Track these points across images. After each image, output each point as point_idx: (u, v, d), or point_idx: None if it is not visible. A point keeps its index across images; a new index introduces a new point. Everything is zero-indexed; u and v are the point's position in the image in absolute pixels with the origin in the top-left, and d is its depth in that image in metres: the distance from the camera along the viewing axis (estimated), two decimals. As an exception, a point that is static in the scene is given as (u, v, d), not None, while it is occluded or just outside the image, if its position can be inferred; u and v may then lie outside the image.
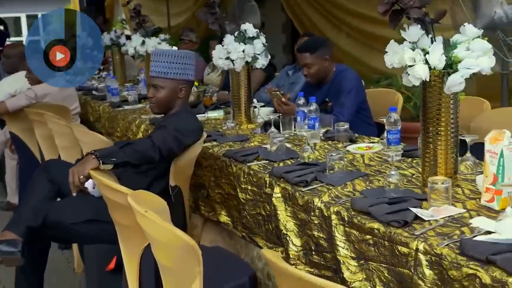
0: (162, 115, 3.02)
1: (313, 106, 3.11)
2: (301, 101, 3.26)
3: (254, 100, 3.74)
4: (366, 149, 2.83)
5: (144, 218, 1.86)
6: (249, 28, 3.53)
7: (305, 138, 2.98)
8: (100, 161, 2.41)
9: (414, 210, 1.90)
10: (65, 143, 3.78)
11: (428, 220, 1.85)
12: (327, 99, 3.62)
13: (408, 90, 5.00)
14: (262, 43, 3.54)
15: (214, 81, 5.89)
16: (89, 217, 2.65)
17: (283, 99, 3.50)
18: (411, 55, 2.08)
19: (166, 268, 1.95)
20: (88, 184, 2.59)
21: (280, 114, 3.30)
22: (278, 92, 3.55)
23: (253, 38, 3.53)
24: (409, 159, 2.57)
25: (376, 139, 3.08)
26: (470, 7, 4.38)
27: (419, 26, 2.10)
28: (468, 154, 2.45)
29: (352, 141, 3.01)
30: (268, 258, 1.45)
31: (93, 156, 2.42)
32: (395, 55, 2.13)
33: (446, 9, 2.13)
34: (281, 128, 3.22)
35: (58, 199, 2.94)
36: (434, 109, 2.14)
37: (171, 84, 2.87)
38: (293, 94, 3.94)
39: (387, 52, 2.16)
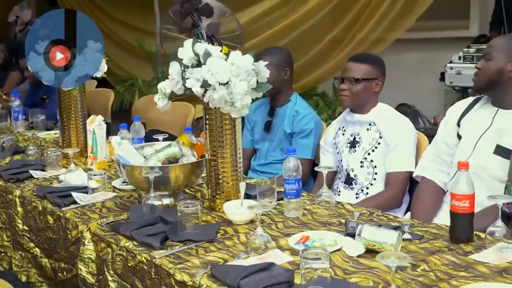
0: None
1: (17, 102, 3.89)
2: (13, 97, 4.01)
3: (-14, 96, 4.45)
4: (53, 135, 3.68)
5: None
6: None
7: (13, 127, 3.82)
8: None
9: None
10: None
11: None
12: (44, 96, 4.41)
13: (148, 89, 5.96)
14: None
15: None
16: None
17: (4, 96, 4.24)
18: None
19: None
20: None
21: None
22: None
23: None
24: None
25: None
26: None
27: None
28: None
29: (48, 129, 3.84)
30: None
31: None
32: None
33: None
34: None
35: None
36: (66, 102, 3.03)
37: None
38: None
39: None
